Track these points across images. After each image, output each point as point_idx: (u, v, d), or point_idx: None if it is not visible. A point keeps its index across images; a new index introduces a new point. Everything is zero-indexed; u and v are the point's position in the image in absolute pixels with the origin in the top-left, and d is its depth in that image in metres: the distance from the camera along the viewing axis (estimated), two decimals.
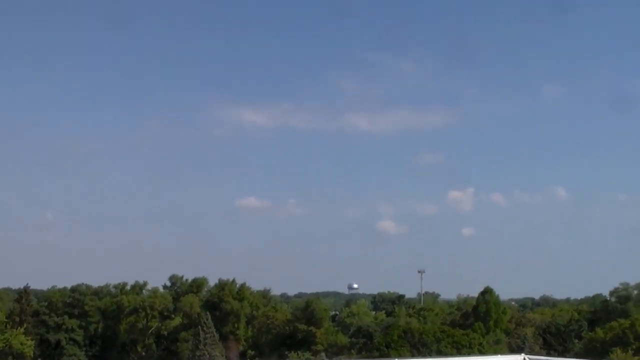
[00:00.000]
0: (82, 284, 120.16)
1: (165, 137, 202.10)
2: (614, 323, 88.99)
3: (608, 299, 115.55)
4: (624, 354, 75.14)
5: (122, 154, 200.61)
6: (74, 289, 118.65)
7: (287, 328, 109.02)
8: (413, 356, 67.13)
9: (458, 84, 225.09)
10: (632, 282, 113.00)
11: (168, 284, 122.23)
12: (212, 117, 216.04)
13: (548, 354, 72.47)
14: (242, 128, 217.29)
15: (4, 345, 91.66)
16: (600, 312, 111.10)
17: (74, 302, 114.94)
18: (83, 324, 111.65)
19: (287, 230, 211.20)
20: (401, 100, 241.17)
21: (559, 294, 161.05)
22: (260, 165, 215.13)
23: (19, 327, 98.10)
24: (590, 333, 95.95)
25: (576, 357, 52.24)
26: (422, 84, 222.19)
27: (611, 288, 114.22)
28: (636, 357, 71.70)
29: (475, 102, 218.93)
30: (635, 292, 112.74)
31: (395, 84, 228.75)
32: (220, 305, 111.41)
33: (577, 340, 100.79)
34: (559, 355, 69.02)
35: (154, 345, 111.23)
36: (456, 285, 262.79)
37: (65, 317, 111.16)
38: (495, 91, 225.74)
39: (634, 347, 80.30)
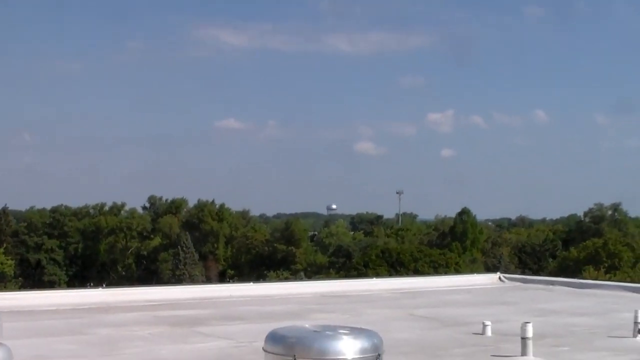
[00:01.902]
0: (62, 205, 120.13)
1: (143, 59, 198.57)
2: (587, 242, 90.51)
3: (582, 219, 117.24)
4: (596, 272, 76.61)
5: (100, 76, 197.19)
6: (53, 210, 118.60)
7: (266, 248, 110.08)
8: (391, 275, 68.02)
9: (438, 5, 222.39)
10: (606, 203, 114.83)
11: (147, 205, 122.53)
12: (190, 38, 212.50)
13: (523, 273, 73.65)
14: (221, 49, 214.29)
15: None
16: (575, 231, 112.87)
17: (53, 222, 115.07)
18: (63, 244, 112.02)
19: (266, 151, 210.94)
20: (381, 22, 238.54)
21: (535, 214, 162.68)
22: (239, 87, 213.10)
23: None
24: (564, 252, 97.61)
25: (550, 276, 53.18)
26: (403, 5, 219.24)
27: (586, 209, 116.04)
28: (608, 275, 73.12)
29: (456, 24, 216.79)
30: (609, 212, 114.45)
31: (375, 5, 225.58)
32: (200, 225, 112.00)
33: (551, 259, 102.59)
34: (533, 274, 70.27)
35: (133, 265, 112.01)
36: (434, 206, 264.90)
37: (45, 237, 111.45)
38: (476, 13, 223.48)
39: (605, 265, 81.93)
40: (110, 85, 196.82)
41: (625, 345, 13.74)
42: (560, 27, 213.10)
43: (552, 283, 26.94)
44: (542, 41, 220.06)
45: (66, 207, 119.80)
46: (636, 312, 14.45)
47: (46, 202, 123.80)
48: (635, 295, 23.02)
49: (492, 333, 14.53)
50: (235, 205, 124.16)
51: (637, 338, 13.47)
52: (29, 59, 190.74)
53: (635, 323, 14.15)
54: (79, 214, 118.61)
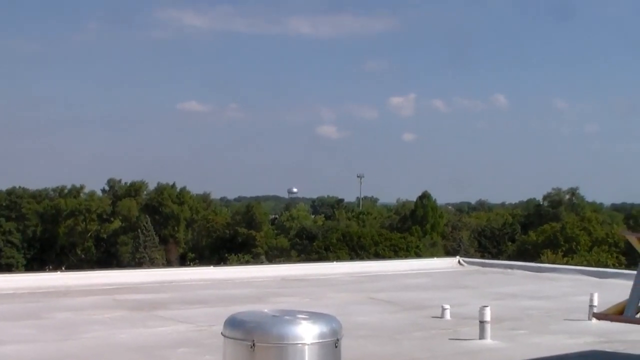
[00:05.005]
0: (19, 187, 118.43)
1: (103, 40, 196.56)
2: (545, 226, 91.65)
3: (541, 203, 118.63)
4: (554, 255, 77.73)
5: (59, 57, 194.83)
6: (10, 192, 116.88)
7: (227, 231, 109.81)
8: (351, 259, 68.33)
9: None
10: (565, 187, 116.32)
11: (106, 187, 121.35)
12: (152, 19, 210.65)
13: (482, 257, 74.46)
14: (182, 31, 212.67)
15: None
16: (533, 215, 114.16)
17: (10, 205, 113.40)
18: (20, 227, 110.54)
19: (227, 134, 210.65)
20: (344, 5, 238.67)
21: (495, 198, 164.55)
22: (201, 69, 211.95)
23: None
24: (523, 236, 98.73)
25: (509, 259, 53.79)
26: None
27: (544, 193, 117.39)
28: (565, 259, 74.21)
29: (419, 8, 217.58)
30: (567, 196, 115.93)
31: None
32: (160, 209, 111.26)
33: (510, 243, 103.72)
34: (492, 257, 71.04)
35: (93, 248, 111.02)
36: (395, 190, 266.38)
37: (2, 219, 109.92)
38: None
39: (563, 248, 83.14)
40: (70, 66, 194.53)
41: (581, 329, 13.96)
42: (522, 12, 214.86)
43: (511, 267, 27.22)
44: (502, 26, 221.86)
45: (23, 189, 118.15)
46: (592, 295, 14.68)
47: (2, 184, 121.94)
48: (591, 279, 23.37)
49: (451, 317, 14.67)
50: (195, 188, 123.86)
51: (592, 321, 13.68)
52: None
53: (591, 306, 14.37)
54: (38, 196, 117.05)
